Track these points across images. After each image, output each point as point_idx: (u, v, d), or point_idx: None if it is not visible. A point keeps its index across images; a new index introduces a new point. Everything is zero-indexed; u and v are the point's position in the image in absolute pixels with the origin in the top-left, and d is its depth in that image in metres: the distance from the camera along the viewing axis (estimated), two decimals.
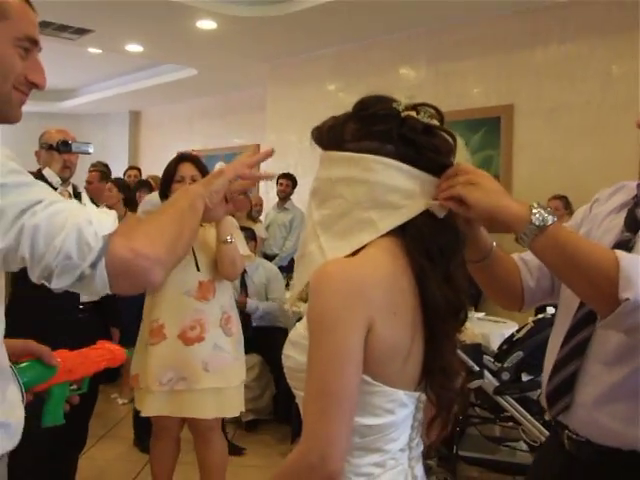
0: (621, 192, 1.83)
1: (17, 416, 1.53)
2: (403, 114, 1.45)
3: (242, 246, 3.73)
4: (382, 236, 1.41)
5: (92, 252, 1.34)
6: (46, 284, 1.37)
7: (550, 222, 1.42)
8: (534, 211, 1.42)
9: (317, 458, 1.27)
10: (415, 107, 1.46)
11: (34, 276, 1.37)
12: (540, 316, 4.43)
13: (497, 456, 4.62)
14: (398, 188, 1.41)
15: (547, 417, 1.84)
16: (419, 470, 1.49)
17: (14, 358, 1.70)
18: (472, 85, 6.81)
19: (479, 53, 6.80)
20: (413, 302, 1.38)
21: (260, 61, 8.81)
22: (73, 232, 1.33)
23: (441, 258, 1.41)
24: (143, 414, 3.57)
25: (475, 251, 1.70)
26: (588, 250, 1.43)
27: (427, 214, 1.42)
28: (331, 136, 1.49)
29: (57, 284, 1.36)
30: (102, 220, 1.37)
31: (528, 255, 1.82)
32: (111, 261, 1.35)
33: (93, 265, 1.34)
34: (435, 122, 1.46)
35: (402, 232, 1.41)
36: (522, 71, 6.49)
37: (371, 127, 1.45)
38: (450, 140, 1.47)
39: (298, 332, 1.45)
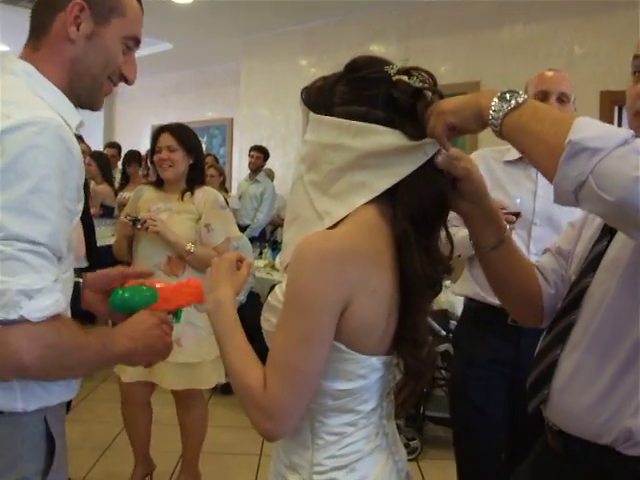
0: None
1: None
2: (394, 78, 1.41)
3: (225, 230, 3.64)
4: (369, 205, 1.39)
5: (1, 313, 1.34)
6: None
7: (506, 110, 1.31)
8: (492, 103, 1.32)
9: (272, 425, 1.34)
10: (408, 71, 1.43)
11: None
12: None
13: None
14: (387, 155, 1.38)
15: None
16: (390, 427, 1.53)
17: (116, 284, 1.81)
18: (440, 62, 6.91)
19: (448, 31, 6.94)
20: (391, 278, 1.37)
21: (234, 36, 8.85)
22: (7, 291, 1.33)
23: (424, 225, 1.40)
24: (124, 380, 3.63)
25: (488, 229, 1.61)
26: (543, 116, 1.29)
27: (415, 179, 1.39)
28: (320, 98, 1.46)
29: None
30: (42, 302, 1.36)
31: (540, 259, 1.78)
32: (5, 345, 1.35)
33: None
34: (427, 87, 1.43)
35: (389, 199, 1.40)
36: (489, 49, 6.65)
37: (361, 91, 1.41)
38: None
39: (276, 297, 1.44)
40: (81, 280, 1.81)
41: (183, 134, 3.64)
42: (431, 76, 1.45)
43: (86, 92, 1.63)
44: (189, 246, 3.45)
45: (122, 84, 1.73)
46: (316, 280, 1.29)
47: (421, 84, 1.42)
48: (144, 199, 3.72)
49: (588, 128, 1.21)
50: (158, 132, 3.67)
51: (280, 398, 1.32)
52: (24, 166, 1.37)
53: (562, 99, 2.78)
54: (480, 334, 2.77)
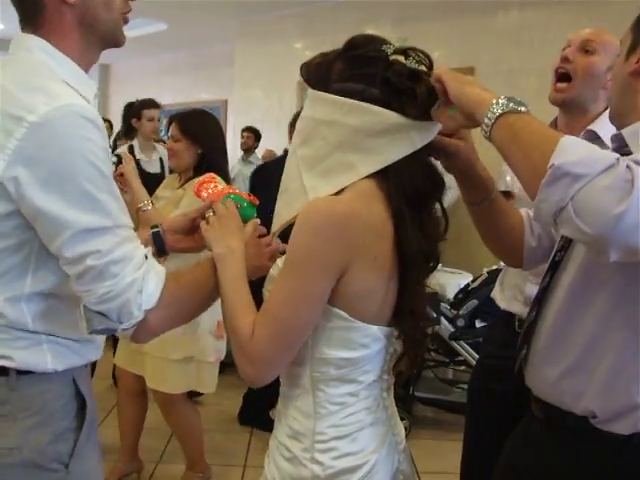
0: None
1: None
2: (391, 58, 1.43)
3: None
4: (366, 178, 1.42)
5: (130, 321, 1.46)
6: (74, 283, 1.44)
7: (507, 110, 1.30)
8: (494, 102, 1.32)
9: (252, 371, 1.40)
10: (405, 51, 1.45)
11: (70, 272, 1.42)
12: (494, 267, 4.58)
13: (450, 397, 4.83)
14: (380, 134, 1.41)
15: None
16: (389, 401, 1.57)
17: (197, 220, 1.83)
18: (435, 47, 6.79)
19: (443, 16, 6.94)
20: (391, 247, 1.41)
21: (229, 17, 8.79)
22: (119, 300, 1.42)
23: (418, 204, 1.44)
24: (115, 361, 3.62)
25: (474, 191, 1.68)
26: (536, 129, 1.28)
27: (407, 159, 1.42)
28: (318, 74, 1.49)
29: (86, 299, 1.44)
30: (149, 287, 1.46)
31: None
32: (141, 329, 1.50)
33: (125, 329, 1.48)
34: (423, 68, 1.45)
35: (385, 176, 1.42)
36: (483, 35, 6.66)
37: (357, 69, 1.44)
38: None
39: (277, 267, 1.50)
40: (159, 229, 1.87)
41: (187, 123, 3.50)
42: (427, 57, 1.48)
43: (107, 35, 1.59)
44: (143, 204, 3.11)
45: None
46: (315, 239, 1.34)
47: (417, 65, 1.45)
48: (162, 185, 3.73)
49: (573, 151, 1.19)
50: (169, 121, 3.60)
51: (262, 346, 1.38)
52: (66, 163, 1.36)
53: (586, 49, 2.33)
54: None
